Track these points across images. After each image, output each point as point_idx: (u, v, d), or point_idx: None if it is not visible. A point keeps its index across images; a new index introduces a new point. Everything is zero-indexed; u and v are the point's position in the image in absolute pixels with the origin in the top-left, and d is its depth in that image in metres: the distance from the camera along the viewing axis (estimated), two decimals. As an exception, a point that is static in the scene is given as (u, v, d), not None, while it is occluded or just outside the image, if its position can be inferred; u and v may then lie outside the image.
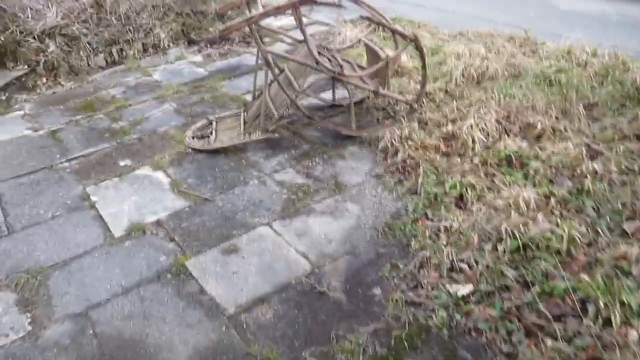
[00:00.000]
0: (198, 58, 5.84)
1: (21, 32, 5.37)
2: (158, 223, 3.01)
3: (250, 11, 3.85)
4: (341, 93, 4.44)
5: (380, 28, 6.32)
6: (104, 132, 4.17)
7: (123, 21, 6.06)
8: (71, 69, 5.51)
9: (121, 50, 5.90)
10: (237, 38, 6.19)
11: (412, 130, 3.50)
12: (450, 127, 3.50)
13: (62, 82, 5.34)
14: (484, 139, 3.31)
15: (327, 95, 4.42)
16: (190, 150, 3.77)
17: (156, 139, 4.01)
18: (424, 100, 3.97)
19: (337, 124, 3.85)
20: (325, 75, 3.85)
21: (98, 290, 2.55)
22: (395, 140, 3.44)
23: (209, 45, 6.11)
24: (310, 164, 3.49)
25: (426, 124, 3.70)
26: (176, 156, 3.71)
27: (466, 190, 2.89)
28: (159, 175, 3.51)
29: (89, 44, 5.68)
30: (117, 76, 5.44)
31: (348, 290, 2.43)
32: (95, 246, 2.87)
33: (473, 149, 3.24)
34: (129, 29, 6.03)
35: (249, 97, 4.59)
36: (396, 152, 3.39)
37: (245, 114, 4.11)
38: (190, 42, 6.23)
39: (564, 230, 2.37)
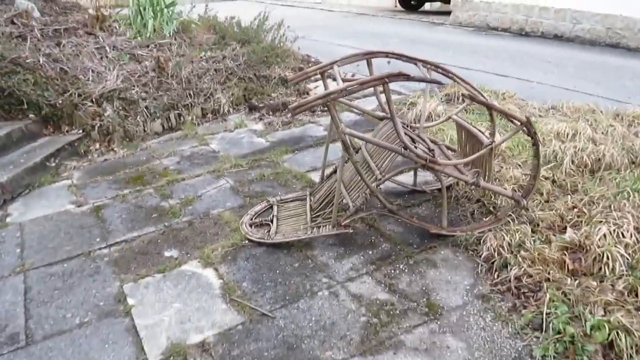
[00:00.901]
0: (259, 126, 5.41)
1: (79, 95, 5.13)
2: (203, 346, 2.38)
3: (325, 85, 3.35)
4: (422, 176, 3.82)
5: (459, 99, 5.75)
6: (152, 211, 3.68)
7: (183, 85, 5.77)
8: (126, 135, 5.19)
9: (179, 115, 5.57)
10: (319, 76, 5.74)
11: (524, 236, 2.78)
12: (572, 233, 2.75)
13: (116, 149, 5.00)
14: (626, 255, 2.53)
15: (406, 178, 3.79)
16: (246, 241, 3.19)
17: (209, 224, 3.47)
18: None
19: (424, 219, 3.18)
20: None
21: None
22: (503, 248, 2.72)
23: (271, 113, 5.69)
24: (392, 271, 2.81)
25: (537, 225, 2.97)
26: (230, 248, 3.13)
27: (617, 334, 2.11)
28: (209, 274, 2.92)
29: (146, 108, 5.38)
30: (172, 144, 5.06)
31: None
32: (123, 375, 2.26)
33: (613, 269, 2.47)
34: (189, 94, 5.73)
35: (314, 176, 4.04)
36: (505, 265, 2.66)
37: (312, 198, 3.53)
38: (252, 109, 5.85)
39: None
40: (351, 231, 3.02)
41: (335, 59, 3.30)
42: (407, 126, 3.46)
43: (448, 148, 3.56)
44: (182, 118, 5.57)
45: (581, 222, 2.91)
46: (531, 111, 5.15)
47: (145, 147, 5.01)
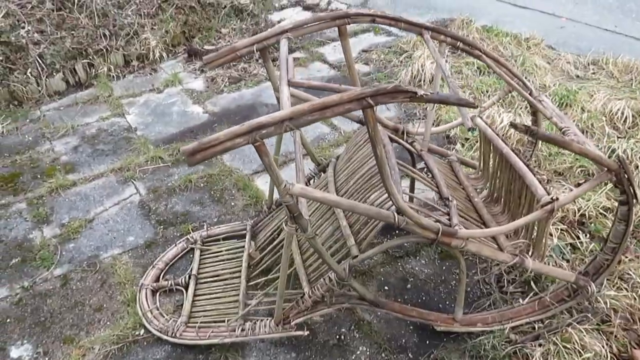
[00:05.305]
0: (198, 84, 3.98)
1: (-63, 41, 3.62)
2: None
3: (269, 70, 1.98)
4: (421, 188, 2.57)
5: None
6: (12, 252, 2.43)
7: (96, 21, 4.21)
8: (12, 97, 3.75)
9: (90, 65, 4.08)
10: (257, 53, 4.27)
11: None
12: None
13: (-5, 119, 3.60)
14: None
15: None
16: (142, 332, 2.00)
17: (92, 284, 2.25)
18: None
19: (424, 302, 2.00)
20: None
21: None
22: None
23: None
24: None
25: (609, 322, 1.82)
26: (114, 347, 1.95)
27: None
28: (69, 409, 1.76)
29: (41, 57, 3.88)
30: (75, 112, 3.65)
31: None
32: None
33: None
34: (104, 33, 4.19)
35: (263, 185, 2.77)
36: None
37: (252, 243, 2.29)
38: (192, 55, 4.36)
39: None
40: (306, 333, 1.83)
41: (284, 25, 1.92)
42: (402, 132, 2.15)
43: (463, 163, 2.29)
44: (93, 69, 4.10)
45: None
46: (565, 67, 3.81)
47: (37, 117, 3.61)
